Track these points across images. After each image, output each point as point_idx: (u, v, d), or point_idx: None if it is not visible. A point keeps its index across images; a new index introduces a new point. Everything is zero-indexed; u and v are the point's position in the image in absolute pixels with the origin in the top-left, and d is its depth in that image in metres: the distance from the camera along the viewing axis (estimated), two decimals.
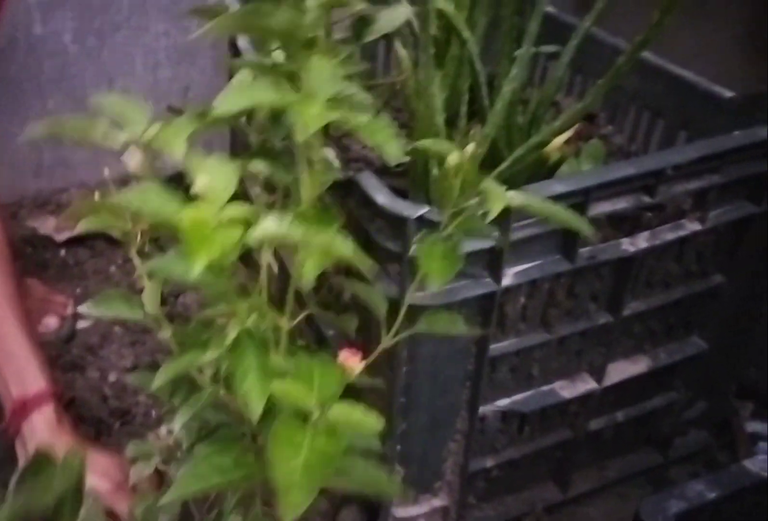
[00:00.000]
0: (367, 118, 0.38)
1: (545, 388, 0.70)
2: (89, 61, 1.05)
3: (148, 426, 0.84)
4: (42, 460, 0.46)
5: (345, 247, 0.37)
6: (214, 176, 0.34)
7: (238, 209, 0.35)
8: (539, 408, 0.70)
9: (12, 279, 0.75)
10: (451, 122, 0.74)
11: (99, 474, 0.68)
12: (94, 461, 0.68)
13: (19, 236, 1.08)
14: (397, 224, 0.56)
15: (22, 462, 0.72)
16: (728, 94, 0.76)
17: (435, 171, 0.67)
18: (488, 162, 0.74)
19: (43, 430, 0.71)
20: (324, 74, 0.37)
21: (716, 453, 0.85)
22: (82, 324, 0.94)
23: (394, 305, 0.60)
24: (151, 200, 0.34)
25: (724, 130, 0.77)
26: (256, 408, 0.40)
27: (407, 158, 0.57)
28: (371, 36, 0.43)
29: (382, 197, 0.57)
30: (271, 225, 0.35)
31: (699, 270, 0.70)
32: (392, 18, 0.44)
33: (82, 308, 0.53)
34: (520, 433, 0.73)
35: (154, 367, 0.46)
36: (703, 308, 0.73)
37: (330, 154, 0.84)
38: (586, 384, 0.71)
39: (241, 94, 0.37)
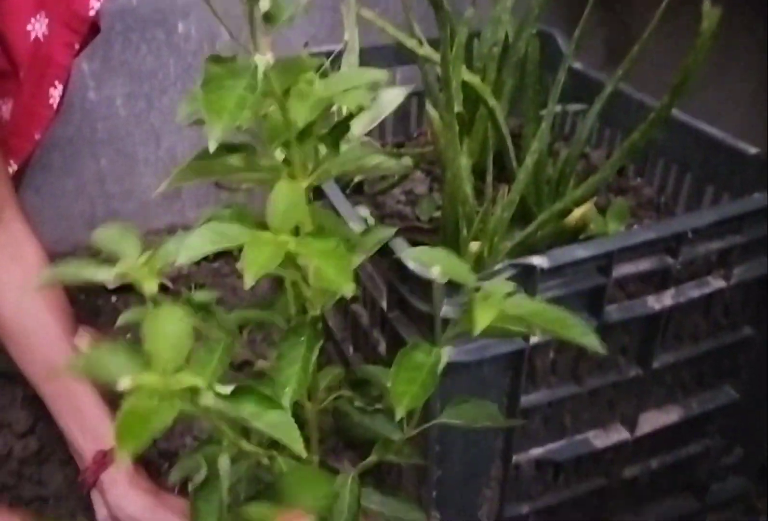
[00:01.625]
0: (325, 250, 0.41)
1: (578, 437, 0.73)
2: (138, 122, 1.14)
3: None
4: None
5: None
6: (166, 337, 0.38)
7: (189, 378, 0.37)
8: (573, 456, 0.73)
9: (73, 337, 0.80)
10: (480, 177, 0.78)
11: (180, 516, 0.73)
12: (174, 504, 0.75)
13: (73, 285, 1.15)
14: (428, 288, 0.60)
15: (99, 509, 0.78)
16: (753, 150, 0.78)
17: (465, 232, 0.70)
18: (518, 217, 0.78)
19: (123, 480, 0.76)
20: (286, 203, 0.41)
21: (755, 500, 0.86)
22: None
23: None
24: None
25: (750, 185, 0.79)
26: None
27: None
28: (368, 127, 0.46)
29: (411, 263, 0.60)
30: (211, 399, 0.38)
31: (727, 323, 0.72)
32: (387, 102, 0.47)
33: None
34: (555, 481, 0.75)
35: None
36: (734, 358, 0.75)
37: (364, 211, 0.89)
38: (618, 434, 0.73)
39: (202, 238, 0.40)
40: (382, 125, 1.08)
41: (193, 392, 0.38)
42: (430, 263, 0.46)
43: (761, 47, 0.99)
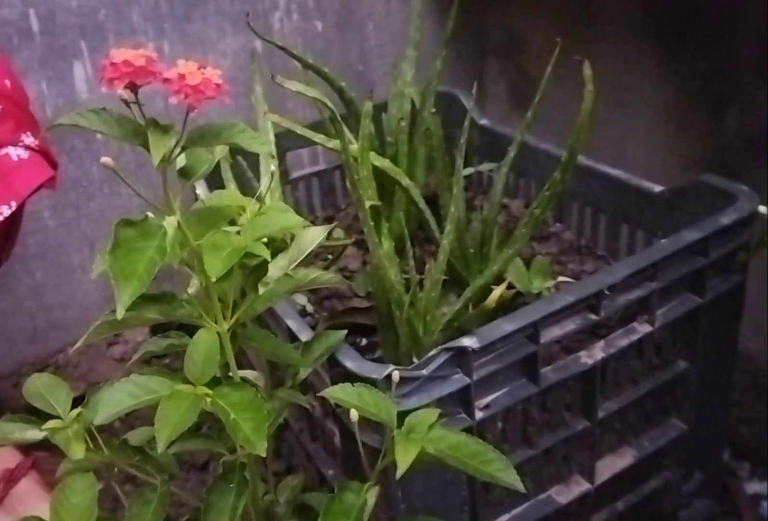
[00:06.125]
0: (241, 403, 0.42)
1: (541, 497, 0.74)
2: (69, 231, 1.13)
3: None
4: None
5: None
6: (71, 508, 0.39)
7: None
8: (540, 517, 0.73)
9: None
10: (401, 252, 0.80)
11: None
12: None
13: (23, 405, 1.12)
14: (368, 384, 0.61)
15: None
16: (657, 189, 0.82)
17: (398, 314, 0.72)
18: (450, 283, 0.80)
19: (36, 490, 0.76)
20: (204, 353, 0.42)
21: (722, 519, 0.88)
22: None
23: (377, 453, 0.64)
24: None
25: (660, 221, 0.83)
26: None
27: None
28: (289, 266, 0.47)
29: (350, 361, 0.61)
30: None
31: (661, 362, 0.75)
32: (308, 240, 0.48)
33: None
34: None
35: None
36: (674, 393, 0.77)
37: (302, 298, 0.89)
38: (579, 486, 0.75)
39: (122, 392, 0.41)
40: (310, 200, 1.09)
41: None
42: (350, 403, 0.48)
43: (653, 83, 1.04)
